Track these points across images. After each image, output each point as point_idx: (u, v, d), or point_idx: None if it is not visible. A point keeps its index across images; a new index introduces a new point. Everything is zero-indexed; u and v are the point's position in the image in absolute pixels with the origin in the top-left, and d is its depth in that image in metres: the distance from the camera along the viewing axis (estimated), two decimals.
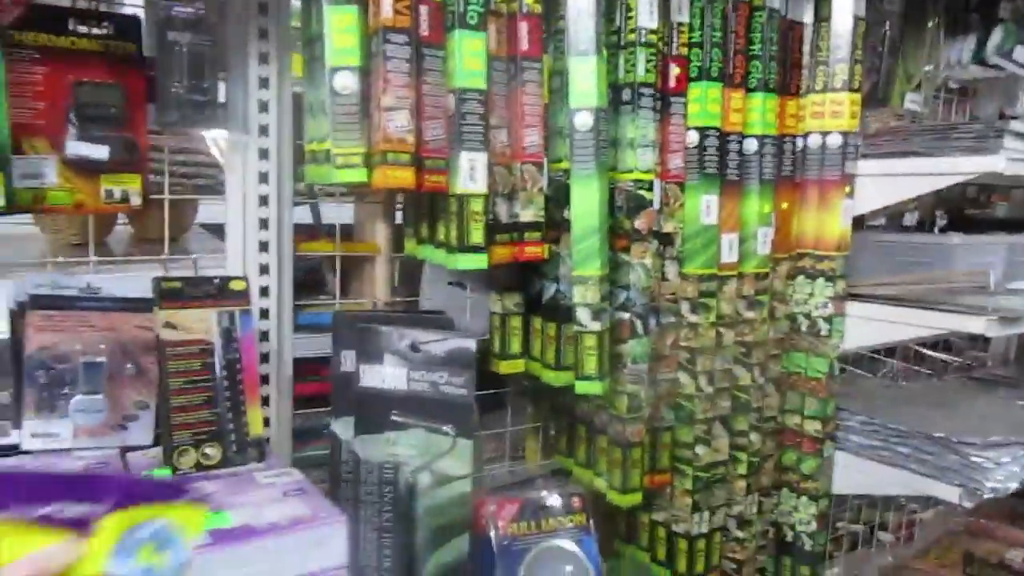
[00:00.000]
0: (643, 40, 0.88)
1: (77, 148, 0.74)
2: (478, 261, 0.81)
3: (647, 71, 0.89)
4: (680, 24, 0.93)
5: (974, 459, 0.99)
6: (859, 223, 1.09)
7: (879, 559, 1.44)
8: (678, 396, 0.99)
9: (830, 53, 1.02)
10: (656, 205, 0.93)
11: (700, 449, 1.00)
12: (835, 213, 1.04)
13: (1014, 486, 0.99)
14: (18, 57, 0.71)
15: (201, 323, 0.73)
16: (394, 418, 0.83)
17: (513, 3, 0.82)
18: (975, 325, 0.95)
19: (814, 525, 1.11)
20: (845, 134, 1.03)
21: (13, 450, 0.72)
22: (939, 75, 1.35)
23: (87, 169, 0.76)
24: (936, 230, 1.42)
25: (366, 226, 1.00)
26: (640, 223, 0.91)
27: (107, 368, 0.74)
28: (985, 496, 0.97)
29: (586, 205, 0.85)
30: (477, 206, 0.80)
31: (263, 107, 0.82)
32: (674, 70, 0.93)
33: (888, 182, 1.06)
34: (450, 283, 1.00)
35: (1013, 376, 1.44)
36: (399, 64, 0.74)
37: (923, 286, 1.06)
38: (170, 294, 0.73)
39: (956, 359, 1.55)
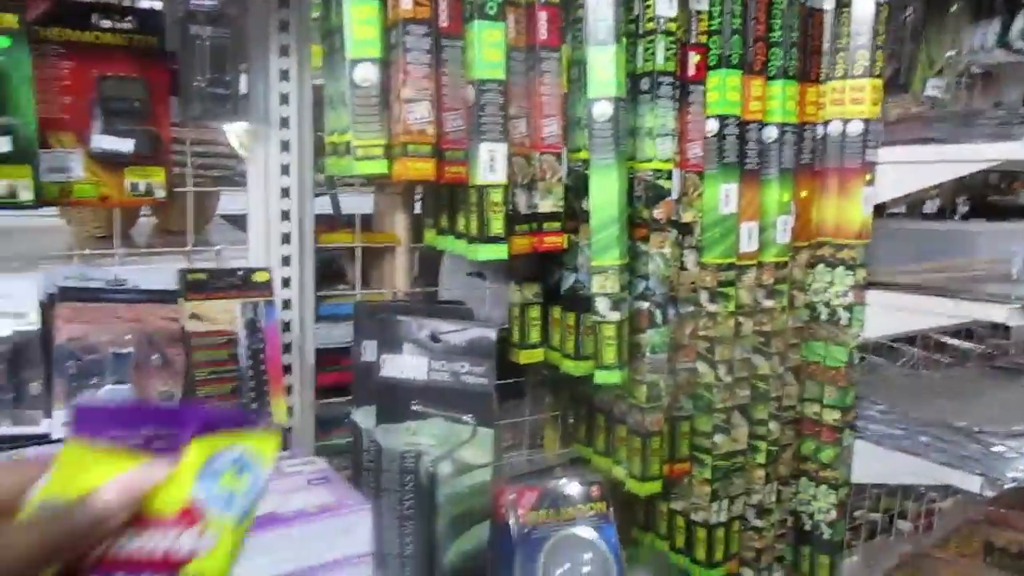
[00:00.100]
0: (662, 28, 0.87)
1: (102, 142, 0.75)
2: (498, 252, 0.82)
3: (666, 59, 0.88)
4: (699, 12, 0.92)
5: (995, 448, 0.99)
6: (879, 211, 1.08)
7: (898, 548, 1.44)
8: (697, 385, 1.00)
9: (851, 39, 1.01)
10: (675, 194, 0.93)
11: (719, 438, 1.00)
12: (855, 201, 1.03)
13: None
14: (44, 52, 0.72)
15: (226, 314, 0.74)
16: (415, 407, 0.84)
17: None
18: (997, 313, 0.94)
19: (833, 514, 1.11)
20: (866, 121, 1.02)
21: (43, 439, 0.74)
22: (962, 60, 1.33)
23: (112, 162, 0.77)
24: (958, 217, 1.40)
25: (385, 217, 1.00)
26: (659, 212, 0.91)
27: (134, 359, 0.75)
28: (1006, 486, 0.97)
29: (605, 195, 0.85)
30: (497, 197, 0.80)
31: (284, 99, 0.83)
32: (693, 58, 0.93)
33: (909, 169, 1.05)
34: (469, 273, 1.00)
35: None
36: (419, 56, 0.74)
37: (944, 274, 1.05)
38: (195, 286, 0.74)
39: (978, 347, 1.54)
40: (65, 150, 0.74)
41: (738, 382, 1.01)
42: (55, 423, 0.74)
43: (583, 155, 0.88)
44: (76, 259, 0.79)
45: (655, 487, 0.96)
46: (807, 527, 1.13)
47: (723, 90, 0.94)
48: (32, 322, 0.72)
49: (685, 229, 0.95)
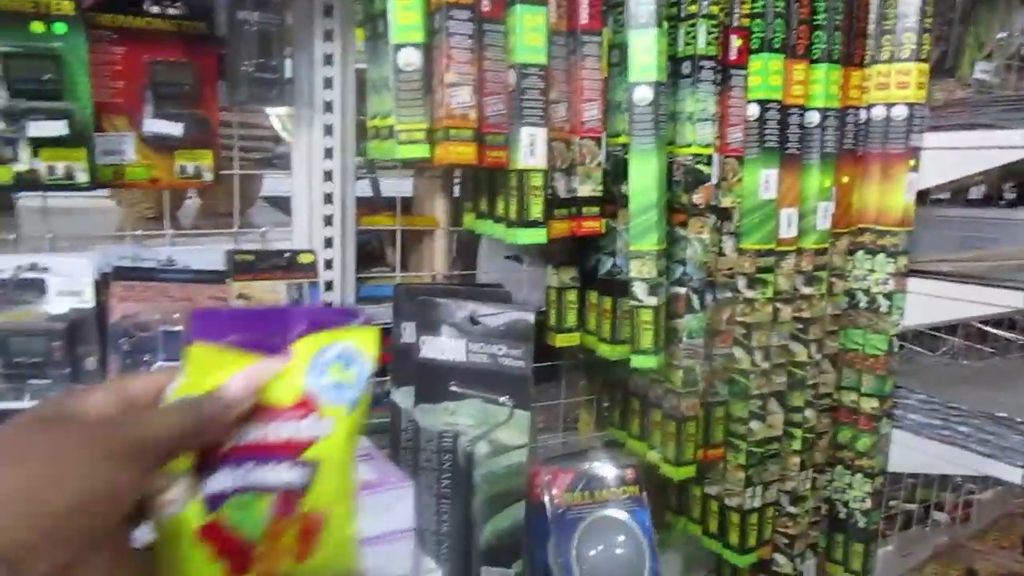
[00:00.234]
0: (704, 11, 0.87)
1: (153, 125, 0.77)
2: (537, 236, 0.82)
3: (708, 43, 0.88)
4: None
5: None
6: (922, 197, 1.06)
7: (934, 538, 1.43)
8: (733, 371, 0.99)
9: (897, 21, 0.99)
10: (714, 180, 0.92)
11: (754, 424, 1.00)
12: (898, 187, 1.02)
13: None
14: (99, 38, 0.74)
15: (272, 294, 0.76)
16: (453, 388, 0.86)
17: None
18: None
19: (868, 503, 1.10)
20: (911, 105, 1.00)
21: None
22: (1013, 42, 1.29)
23: (162, 145, 0.79)
24: (1003, 204, 1.37)
25: (425, 200, 1.01)
26: (698, 197, 0.90)
27: (184, 336, 0.77)
28: None
29: (644, 179, 0.85)
30: (537, 181, 0.81)
31: (328, 84, 0.84)
32: (735, 42, 0.92)
33: (955, 155, 1.03)
34: (507, 257, 1.01)
35: None
36: (462, 40, 0.75)
37: (988, 262, 1.03)
38: (243, 266, 0.76)
39: (1020, 337, 1.50)
40: (118, 133, 0.77)
41: (775, 369, 1.01)
42: None
43: (622, 140, 0.88)
44: (128, 240, 0.81)
45: (689, 472, 0.97)
46: (841, 515, 1.13)
47: (765, 74, 0.93)
48: (87, 300, 0.75)
49: (724, 214, 0.95)
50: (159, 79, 0.77)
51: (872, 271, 1.05)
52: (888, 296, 1.04)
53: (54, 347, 0.72)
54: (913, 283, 1.05)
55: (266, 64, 0.78)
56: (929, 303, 1.05)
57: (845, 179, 1.03)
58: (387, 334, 0.91)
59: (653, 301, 0.87)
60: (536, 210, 0.81)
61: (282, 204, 1.06)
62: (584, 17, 0.83)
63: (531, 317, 0.86)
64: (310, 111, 0.84)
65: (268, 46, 0.78)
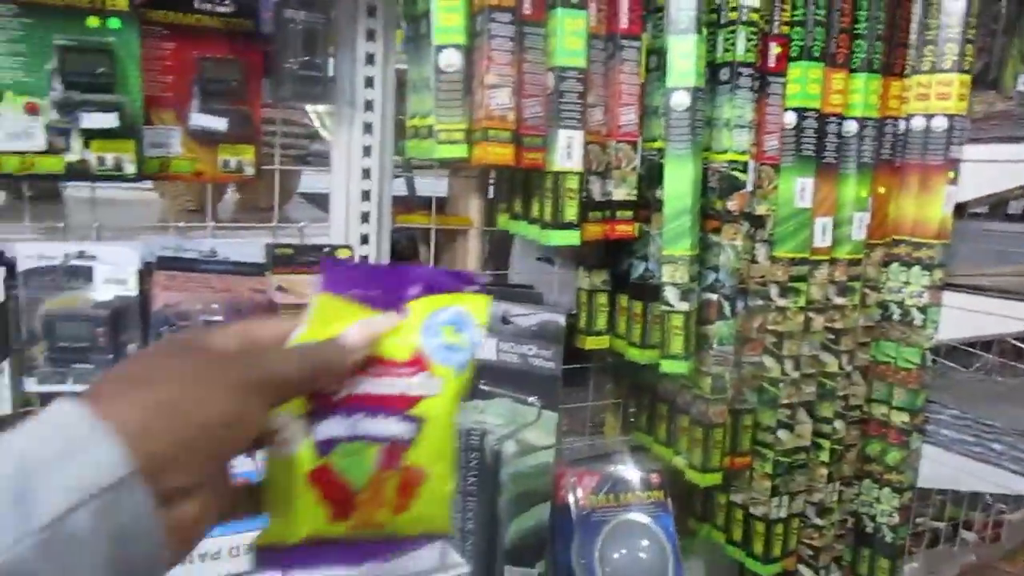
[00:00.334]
0: (744, 18, 0.87)
1: (199, 120, 0.79)
2: (571, 237, 0.83)
3: (747, 50, 0.87)
4: (783, 2, 0.91)
5: None
6: (960, 211, 1.05)
7: (962, 557, 1.40)
8: (763, 379, 0.99)
9: (940, 31, 0.98)
10: (749, 187, 0.92)
11: (782, 434, 1.00)
12: (936, 199, 1.01)
13: None
14: (150, 34, 0.76)
15: (310, 287, 0.77)
16: (482, 387, 0.86)
17: None
18: None
19: (896, 518, 1.09)
20: (951, 117, 0.99)
21: None
22: None
23: (207, 139, 0.80)
24: None
25: (459, 200, 1.02)
26: (732, 204, 0.90)
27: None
28: None
29: (679, 185, 0.85)
30: (572, 183, 0.81)
31: (369, 82, 0.86)
32: (774, 49, 0.91)
33: (994, 168, 1.01)
34: (538, 258, 1.02)
35: None
36: (503, 42, 0.76)
37: None
38: (282, 260, 0.77)
39: None
40: (166, 127, 0.78)
41: (804, 378, 1.00)
42: None
43: (658, 144, 0.88)
44: (171, 231, 0.83)
45: (715, 479, 0.96)
46: (868, 529, 1.12)
47: (804, 82, 0.93)
48: (131, 288, 0.76)
49: (758, 222, 0.95)
50: (206, 75, 0.79)
51: (907, 283, 1.04)
52: (922, 309, 1.03)
53: (98, 333, 0.74)
54: (948, 297, 1.04)
55: (310, 62, 0.80)
56: (964, 317, 1.03)
57: (882, 190, 1.02)
58: None
59: (684, 306, 0.87)
60: (571, 212, 0.82)
61: (318, 200, 1.08)
62: (624, 22, 0.84)
63: (562, 319, 0.86)
64: (351, 109, 0.85)
65: (313, 44, 0.80)
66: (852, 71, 0.96)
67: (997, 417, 1.05)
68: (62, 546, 0.26)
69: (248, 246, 0.80)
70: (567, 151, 0.80)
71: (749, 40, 0.87)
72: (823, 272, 0.99)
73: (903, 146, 1.03)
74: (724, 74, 0.89)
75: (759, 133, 0.93)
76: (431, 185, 1.04)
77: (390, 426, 0.37)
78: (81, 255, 0.75)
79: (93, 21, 0.72)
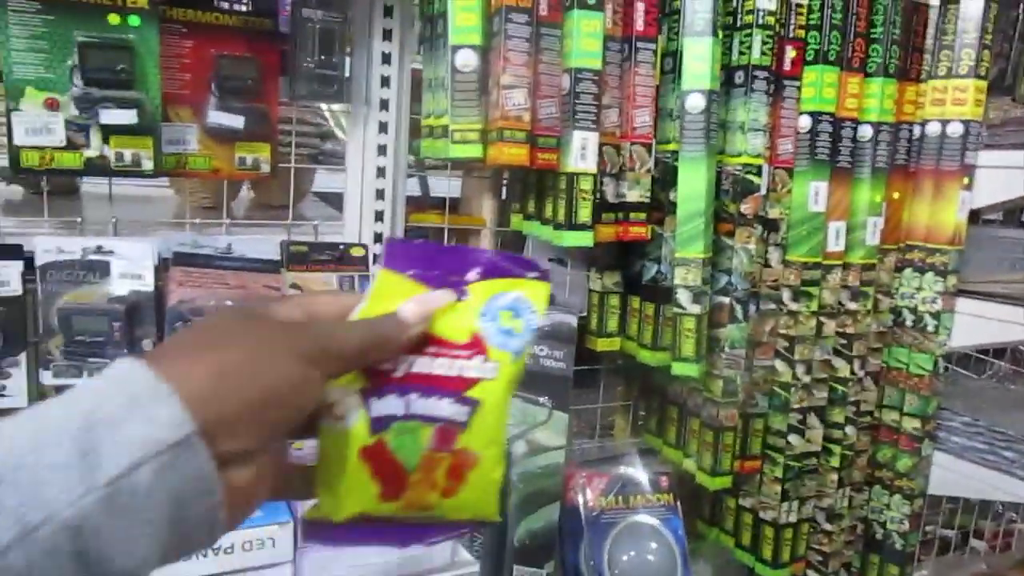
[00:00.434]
0: (760, 21, 0.87)
1: (217, 117, 0.80)
2: (584, 239, 0.83)
3: (762, 53, 0.87)
4: (799, 5, 0.91)
5: None
6: (974, 217, 1.05)
7: (971, 566, 1.39)
8: (774, 383, 0.99)
9: (956, 37, 0.98)
10: (763, 190, 0.92)
11: (793, 438, 0.99)
12: (950, 205, 1.00)
13: None
14: (169, 32, 0.77)
15: (324, 285, 0.78)
16: None
17: None
18: None
19: (906, 524, 1.08)
20: (967, 123, 0.98)
21: None
22: None
23: (224, 137, 0.81)
24: None
25: (472, 200, 1.02)
26: (746, 207, 0.90)
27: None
28: None
29: (692, 187, 0.85)
30: (586, 185, 0.81)
31: (384, 82, 0.86)
32: (790, 53, 0.91)
33: (1009, 175, 1.01)
34: (550, 259, 1.02)
35: None
36: (519, 43, 0.76)
37: None
38: (296, 257, 0.78)
39: None
40: (183, 124, 0.79)
41: (816, 383, 1.00)
42: None
43: (672, 146, 0.88)
44: (187, 227, 0.83)
45: (725, 482, 0.96)
46: (878, 535, 1.11)
47: (819, 86, 0.92)
48: (147, 283, 0.77)
49: (771, 225, 0.95)
50: (224, 73, 0.79)
51: (920, 289, 1.04)
52: (935, 315, 1.02)
53: (114, 327, 0.74)
54: (961, 303, 1.03)
55: (327, 61, 0.80)
56: (977, 324, 1.03)
57: (896, 195, 1.02)
58: None
59: (696, 309, 0.87)
60: (584, 213, 0.82)
61: (331, 199, 1.09)
62: (640, 24, 0.84)
63: (574, 320, 0.87)
64: (366, 108, 0.86)
65: (330, 44, 0.80)
66: (868, 75, 0.96)
67: (1009, 425, 1.04)
68: (125, 501, 0.27)
69: (263, 243, 0.80)
70: (581, 152, 0.80)
71: (765, 43, 0.87)
72: (836, 277, 0.99)
73: (918, 151, 1.02)
74: (739, 77, 0.89)
75: (773, 136, 0.93)
76: (445, 185, 1.04)
77: (444, 407, 0.37)
78: (98, 250, 0.75)
79: (114, 18, 0.73)
